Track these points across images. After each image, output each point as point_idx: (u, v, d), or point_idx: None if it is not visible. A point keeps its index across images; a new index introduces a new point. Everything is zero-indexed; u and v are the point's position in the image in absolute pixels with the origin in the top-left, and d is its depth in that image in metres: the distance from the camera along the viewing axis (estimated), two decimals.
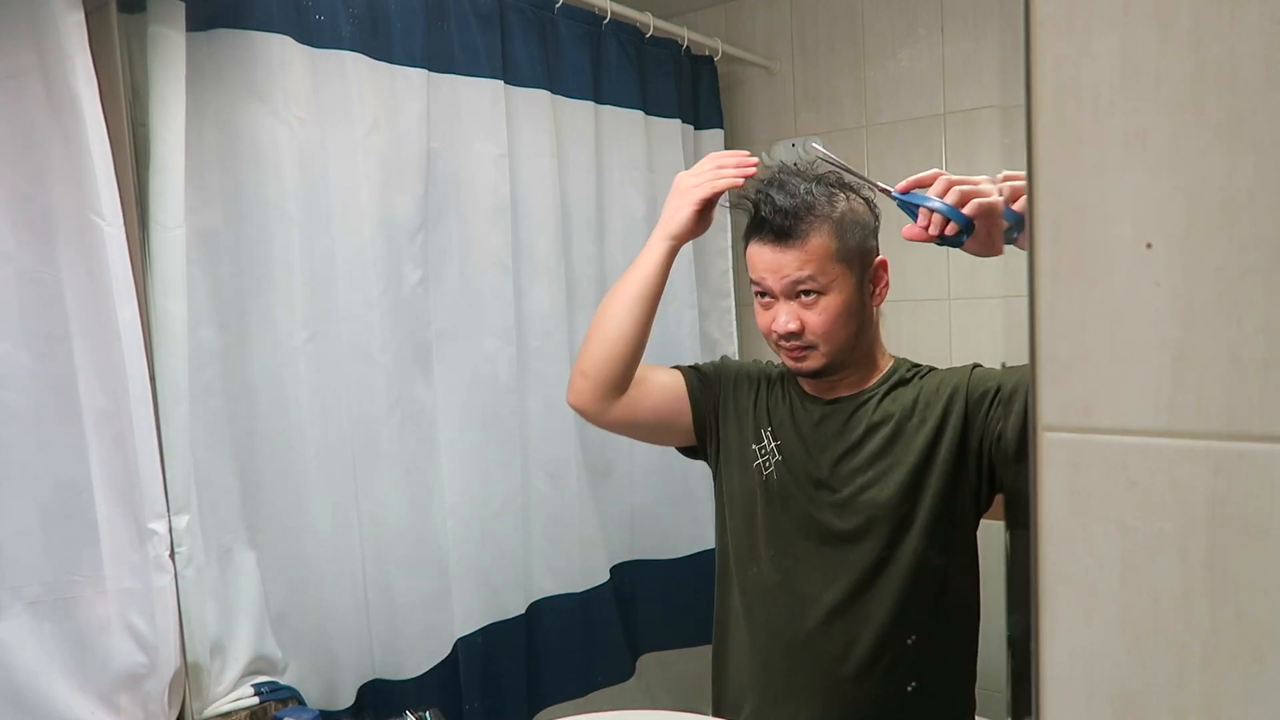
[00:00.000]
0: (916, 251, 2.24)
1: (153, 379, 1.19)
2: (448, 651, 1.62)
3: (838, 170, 1.17)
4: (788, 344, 1.17)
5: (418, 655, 1.56)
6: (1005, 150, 1.97)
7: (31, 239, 1.12)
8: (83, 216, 1.12)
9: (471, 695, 1.65)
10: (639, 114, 1.98)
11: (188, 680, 1.24)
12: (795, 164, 1.23)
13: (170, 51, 1.20)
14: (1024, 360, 0.46)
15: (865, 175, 1.14)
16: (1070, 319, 0.44)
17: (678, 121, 2.10)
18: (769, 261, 1.15)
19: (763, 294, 1.18)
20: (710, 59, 2.21)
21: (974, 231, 1.00)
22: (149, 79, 1.20)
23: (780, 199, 1.14)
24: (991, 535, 2.23)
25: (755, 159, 1.18)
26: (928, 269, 2.16)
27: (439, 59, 1.59)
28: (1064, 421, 0.44)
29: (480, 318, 1.68)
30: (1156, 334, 0.42)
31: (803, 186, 1.15)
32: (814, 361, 1.18)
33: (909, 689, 1.19)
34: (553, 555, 1.82)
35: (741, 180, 1.17)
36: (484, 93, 1.65)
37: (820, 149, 1.17)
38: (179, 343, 1.23)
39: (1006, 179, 0.99)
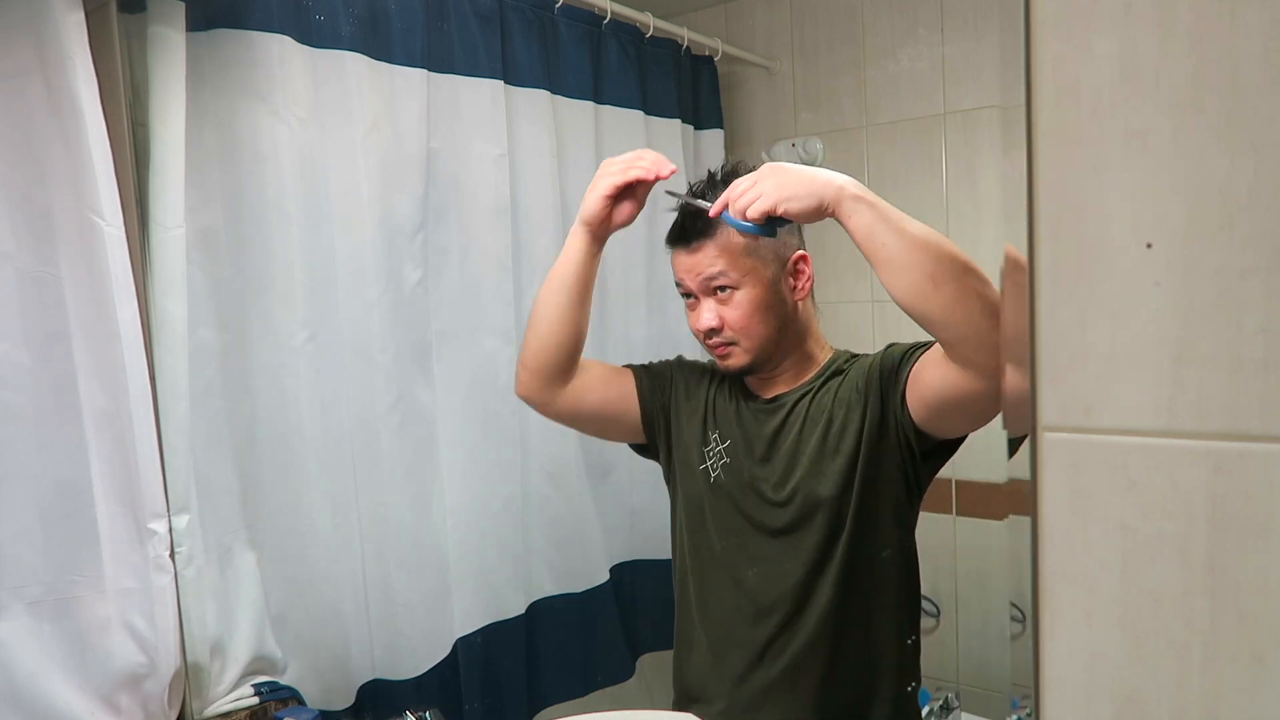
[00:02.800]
0: None
1: (153, 379, 1.18)
2: (448, 651, 1.62)
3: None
4: (711, 341, 1.22)
5: (418, 655, 1.56)
6: (1005, 150, 1.97)
7: (31, 239, 1.12)
8: (83, 216, 1.12)
9: (471, 695, 1.65)
10: (639, 114, 1.98)
11: (188, 680, 1.24)
12: (723, 166, 1.27)
13: (170, 51, 1.20)
14: (1024, 360, 0.46)
15: (689, 199, 1.20)
16: (1070, 319, 0.44)
17: (678, 121, 2.10)
18: (685, 263, 1.21)
19: (688, 295, 1.24)
20: (710, 59, 2.21)
21: (775, 222, 1.07)
22: (149, 79, 1.20)
23: (689, 207, 1.21)
24: (992, 534, 2.24)
25: (672, 167, 1.21)
26: None
27: (439, 59, 1.59)
28: (1064, 421, 0.44)
29: (480, 318, 1.68)
30: (1156, 334, 0.42)
31: (703, 187, 1.22)
32: (738, 359, 1.22)
33: (850, 681, 1.21)
34: (553, 555, 1.82)
35: (651, 177, 1.20)
36: (484, 93, 1.65)
37: (673, 192, 1.23)
38: (179, 343, 1.23)
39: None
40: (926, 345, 1.12)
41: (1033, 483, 0.45)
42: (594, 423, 1.39)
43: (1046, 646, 0.45)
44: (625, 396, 1.34)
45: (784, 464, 1.22)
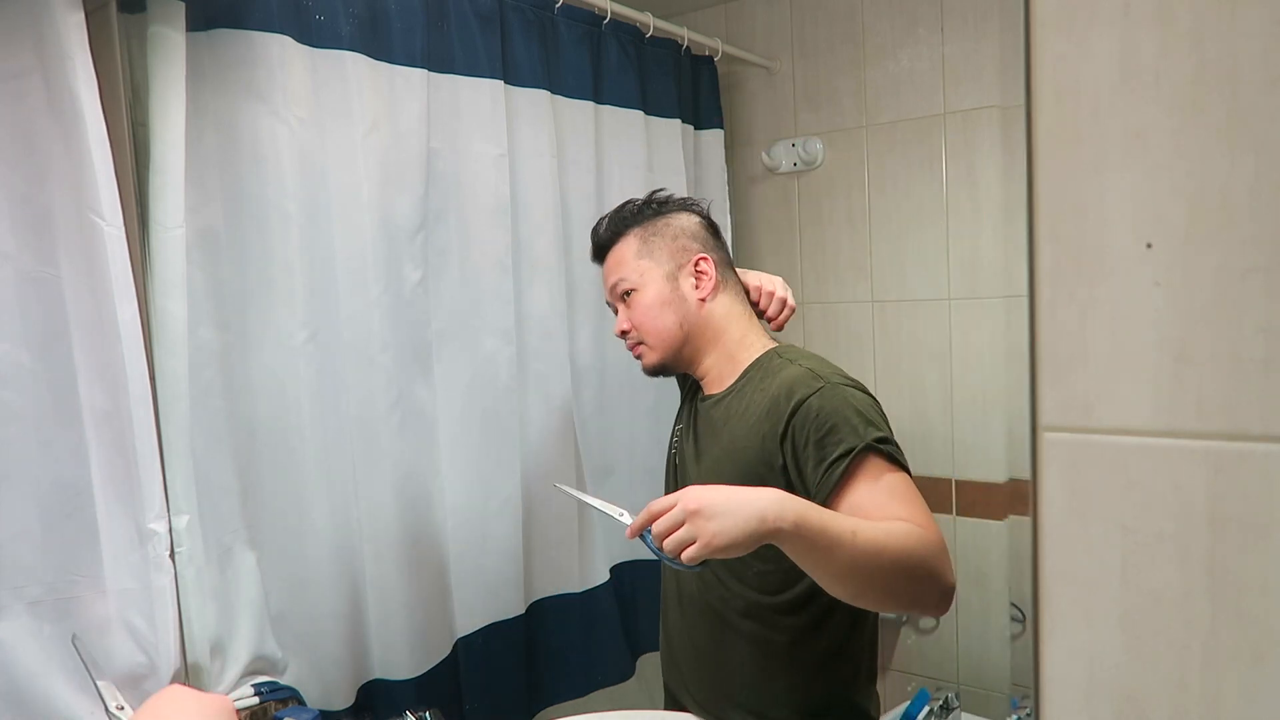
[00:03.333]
0: (916, 251, 2.24)
1: (153, 379, 1.19)
2: (448, 651, 1.62)
3: (663, 198, 1.32)
4: (627, 344, 1.31)
5: (418, 655, 1.56)
6: (1005, 150, 1.97)
7: (31, 239, 1.12)
8: (83, 216, 1.12)
9: (471, 695, 1.65)
10: (639, 114, 1.98)
11: (188, 680, 1.24)
12: (655, 194, 1.35)
13: (170, 51, 1.20)
14: (1024, 360, 0.46)
15: (610, 510, 1.08)
16: (1070, 319, 0.44)
17: (678, 121, 2.09)
18: (602, 275, 1.33)
19: (614, 308, 1.33)
20: (710, 59, 2.21)
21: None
22: (149, 79, 1.20)
23: (596, 226, 1.33)
24: (991, 534, 2.24)
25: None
26: (928, 269, 2.16)
27: (439, 59, 1.59)
28: (1064, 421, 0.44)
29: (480, 318, 1.68)
30: (1156, 334, 0.42)
31: (611, 211, 1.32)
32: (648, 357, 1.29)
33: (799, 678, 1.21)
34: (553, 555, 1.82)
35: None
36: (484, 93, 1.65)
37: (564, 488, 1.19)
38: (179, 343, 1.23)
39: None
40: (846, 455, 1.05)
41: (1033, 483, 0.45)
42: None
43: (1046, 646, 0.45)
44: None
45: (700, 465, 1.26)
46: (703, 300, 1.26)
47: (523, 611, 1.76)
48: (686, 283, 1.26)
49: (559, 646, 1.82)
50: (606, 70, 1.91)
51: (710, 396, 1.27)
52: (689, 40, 2.09)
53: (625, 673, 1.95)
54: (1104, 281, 0.43)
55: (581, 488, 1.86)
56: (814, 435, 1.07)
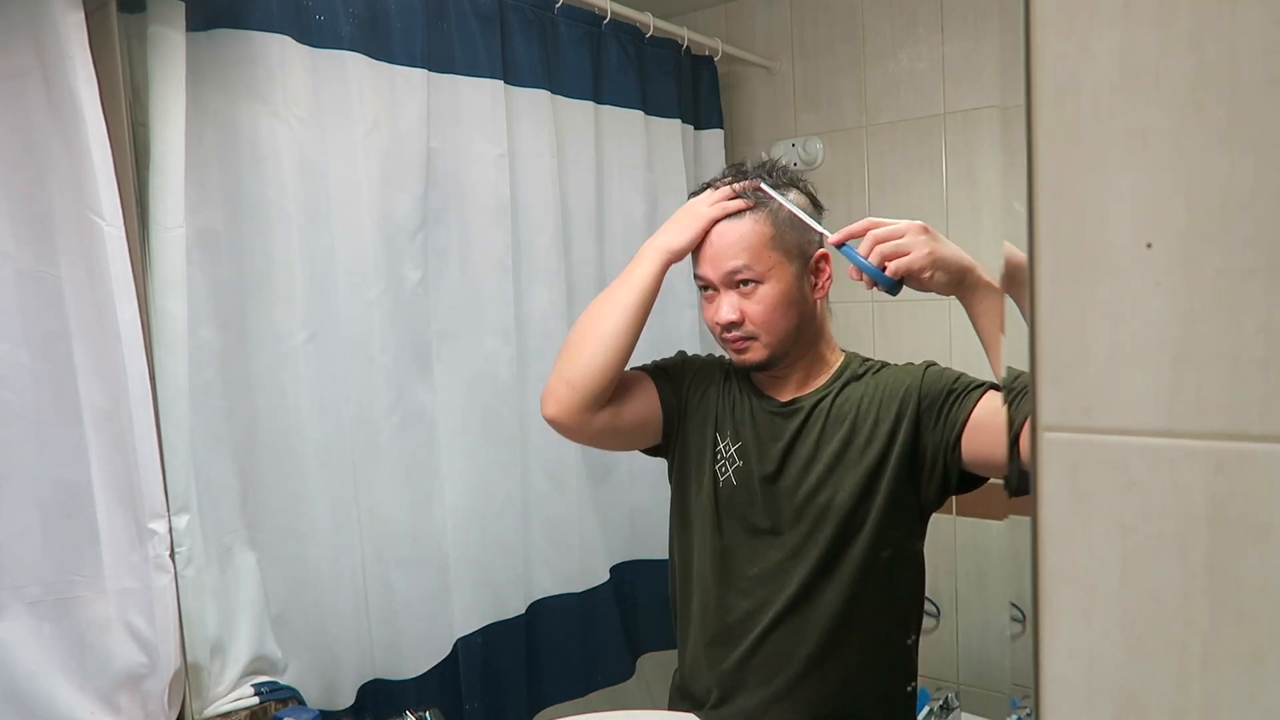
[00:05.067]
0: None
1: (153, 379, 1.19)
2: (448, 651, 1.62)
3: (783, 167, 1.22)
4: (729, 334, 1.20)
5: (418, 655, 1.56)
6: (1005, 150, 1.97)
7: (31, 239, 1.12)
8: (83, 216, 1.12)
9: (471, 695, 1.65)
10: (639, 114, 1.98)
11: (188, 680, 1.24)
12: (749, 162, 1.26)
13: (170, 51, 1.20)
14: (1024, 360, 0.46)
15: (816, 225, 1.17)
16: (1070, 319, 0.44)
17: (678, 121, 2.10)
18: (708, 254, 1.19)
19: (706, 287, 1.22)
20: (710, 59, 2.21)
21: (905, 284, 1.08)
22: (149, 79, 1.20)
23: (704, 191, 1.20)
24: (992, 534, 2.24)
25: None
26: None
27: (439, 59, 1.59)
28: (1064, 421, 0.44)
29: (480, 318, 1.68)
30: (1156, 334, 0.42)
31: (728, 176, 1.20)
32: (755, 353, 1.20)
33: (853, 681, 1.21)
34: (553, 555, 1.82)
35: (742, 207, 1.20)
36: (484, 93, 1.65)
37: (767, 189, 1.20)
38: (179, 343, 1.23)
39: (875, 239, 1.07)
40: (981, 386, 1.12)
41: (1033, 483, 0.45)
42: (624, 438, 1.33)
43: (1046, 646, 0.45)
44: (650, 404, 1.30)
45: (799, 469, 1.20)
46: (817, 300, 1.22)
47: (523, 611, 1.76)
48: (808, 280, 1.20)
49: (559, 646, 1.82)
50: (606, 70, 1.91)
51: (797, 399, 1.23)
52: (689, 40, 2.09)
53: (625, 673, 1.95)
54: (1104, 281, 0.43)
55: (581, 488, 1.86)
56: (948, 384, 1.16)
